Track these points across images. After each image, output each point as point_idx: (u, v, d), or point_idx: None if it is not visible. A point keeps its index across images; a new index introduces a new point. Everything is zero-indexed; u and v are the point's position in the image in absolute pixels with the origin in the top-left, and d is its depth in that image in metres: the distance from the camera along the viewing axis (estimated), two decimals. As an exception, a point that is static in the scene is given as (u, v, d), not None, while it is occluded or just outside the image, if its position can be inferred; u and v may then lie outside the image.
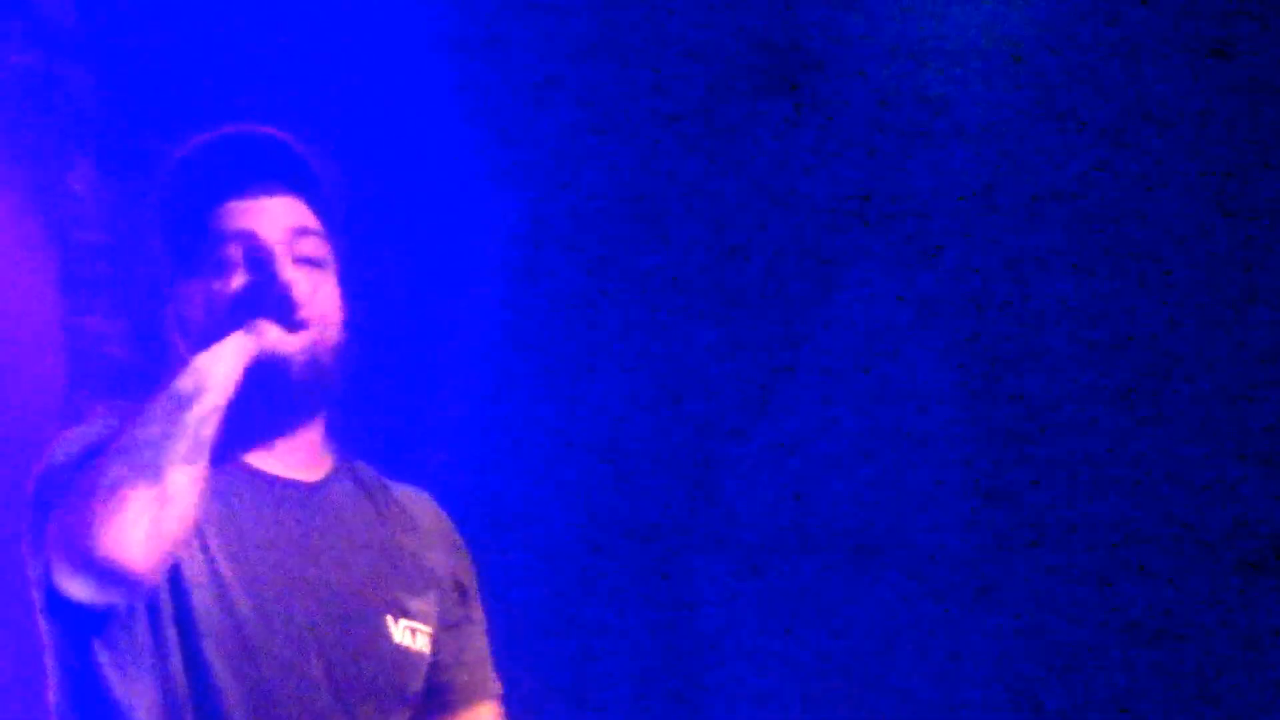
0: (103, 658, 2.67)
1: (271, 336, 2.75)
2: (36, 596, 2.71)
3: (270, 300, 2.76)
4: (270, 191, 2.82)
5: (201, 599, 2.68)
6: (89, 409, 4.44)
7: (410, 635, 2.85)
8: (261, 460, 2.83)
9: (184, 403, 2.62)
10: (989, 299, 5.21)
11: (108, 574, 2.50)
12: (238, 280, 2.78)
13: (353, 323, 2.90)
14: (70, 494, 2.55)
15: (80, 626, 2.67)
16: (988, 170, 5.17)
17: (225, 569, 2.70)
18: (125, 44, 5.19)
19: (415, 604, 2.86)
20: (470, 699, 2.95)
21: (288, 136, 2.85)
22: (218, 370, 2.66)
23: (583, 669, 5.15)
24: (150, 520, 2.51)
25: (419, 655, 2.85)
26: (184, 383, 2.65)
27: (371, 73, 5.23)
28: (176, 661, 2.68)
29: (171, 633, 2.68)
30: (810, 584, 5.25)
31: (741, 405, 5.27)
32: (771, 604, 5.24)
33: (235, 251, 2.78)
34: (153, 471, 2.52)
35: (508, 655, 3.05)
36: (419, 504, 2.98)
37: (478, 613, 3.00)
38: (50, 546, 2.58)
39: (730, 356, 5.27)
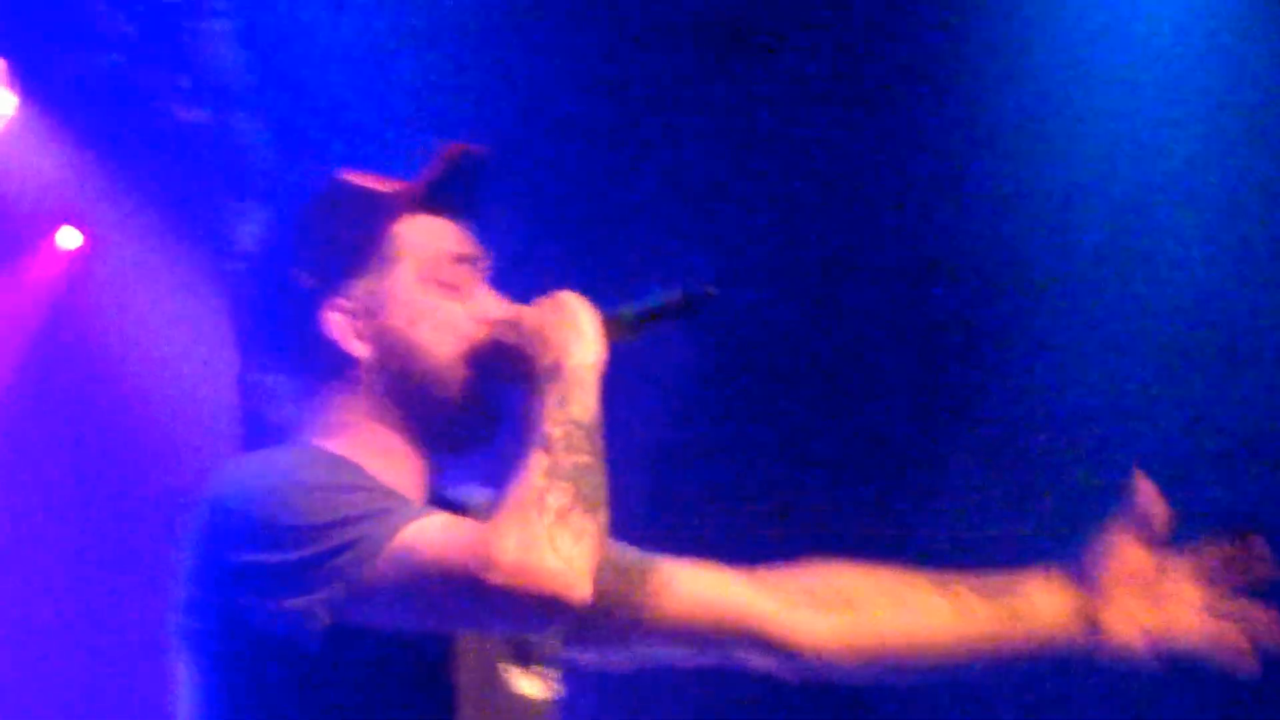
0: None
1: None
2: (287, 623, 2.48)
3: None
4: (475, 218, 2.75)
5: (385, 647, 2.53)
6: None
7: (531, 683, 2.68)
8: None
9: (592, 426, 2.54)
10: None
11: (556, 606, 2.41)
12: (490, 306, 2.68)
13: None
14: (515, 520, 2.43)
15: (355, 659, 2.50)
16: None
17: None
18: (295, 96, 5.17)
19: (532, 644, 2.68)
20: (640, 600, 2.79)
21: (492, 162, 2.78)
22: (597, 396, 2.58)
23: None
24: (596, 554, 2.46)
25: (543, 704, 2.67)
26: (583, 407, 2.55)
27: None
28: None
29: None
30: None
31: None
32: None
33: (461, 273, 2.68)
34: (597, 506, 2.48)
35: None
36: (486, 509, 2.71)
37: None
38: (458, 575, 2.41)
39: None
